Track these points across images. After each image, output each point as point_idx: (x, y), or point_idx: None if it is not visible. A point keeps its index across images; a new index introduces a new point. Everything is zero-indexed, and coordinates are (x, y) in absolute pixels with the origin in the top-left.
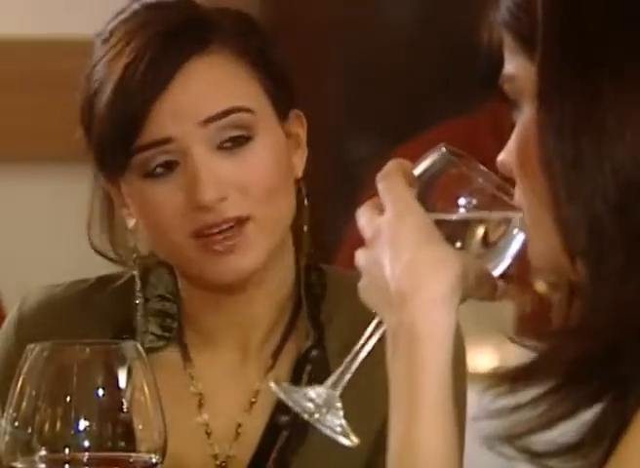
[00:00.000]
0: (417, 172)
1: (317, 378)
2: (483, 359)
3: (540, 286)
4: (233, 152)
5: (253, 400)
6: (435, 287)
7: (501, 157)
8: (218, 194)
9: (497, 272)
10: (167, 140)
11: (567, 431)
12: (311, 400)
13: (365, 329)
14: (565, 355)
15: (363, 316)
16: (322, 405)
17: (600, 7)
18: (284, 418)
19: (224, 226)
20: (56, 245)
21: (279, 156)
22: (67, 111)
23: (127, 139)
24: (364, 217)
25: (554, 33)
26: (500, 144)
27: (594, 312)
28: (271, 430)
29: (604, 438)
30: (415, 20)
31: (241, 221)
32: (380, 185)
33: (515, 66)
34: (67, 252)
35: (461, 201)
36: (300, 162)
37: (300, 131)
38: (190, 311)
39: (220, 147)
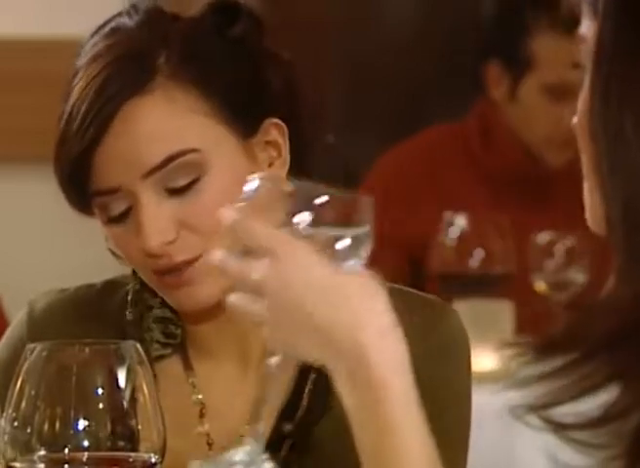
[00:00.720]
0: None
1: (320, 386)
2: (482, 359)
3: (541, 286)
4: (182, 193)
5: None
6: (378, 318)
7: (573, 121)
8: (163, 239)
9: None
10: (115, 190)
11: (594, 404)
12: (236, 463)
13: None
14: (597, 326)
15: None
16: (249, 463)
17: None
18: (288, 427)
19: (177, 268)
20: (56, 245)
21: (234, 186)
22: None
23: (77, 186)
24: (237, 269)
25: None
26: (489, 147)
27: (626, 285)
28: (275, 439)
29: (630, 414)
30: (414, 20)
31: (191, 262)
32: (239, 230)
33: (585, 27)
34: (68, 252)
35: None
36: (278, 172)
37: (280, 139)
38: (189, 320)
39: (168, 189)
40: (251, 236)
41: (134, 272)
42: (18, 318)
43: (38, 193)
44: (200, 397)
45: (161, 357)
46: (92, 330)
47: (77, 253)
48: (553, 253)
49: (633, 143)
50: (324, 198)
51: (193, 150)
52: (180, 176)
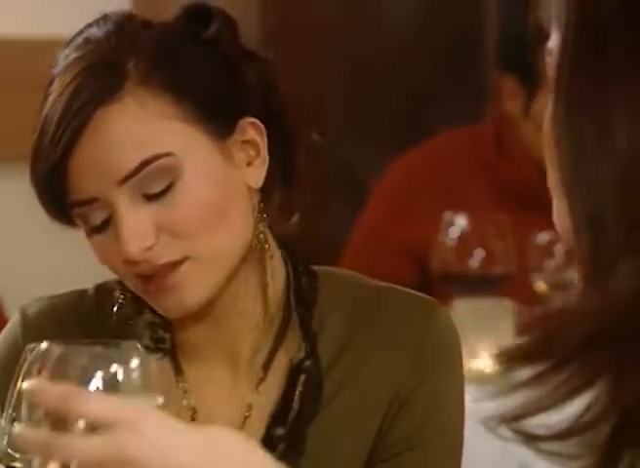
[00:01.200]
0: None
1: (311, 388)
2: (482, 359)
3: (540, 286)
4: (159, 198)
5: (246, 414)
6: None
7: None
8: (141, 245)
9: None
10: (92, 200)
11: (565, 415)
12: None
13: (355, 328)
14: (566, 335)
15: (357, 314)
16: None
17: None
18: (280, 431)
19: (159, 271)
20: (57, 245)
21: (211, 188)
22: None
23: (54, 198)
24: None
25: (575, 10)
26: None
27: (593, 294)
28: (267, 443)
29: (600, 424)
30: (415, 21)
31: (176, 264)
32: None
33: (552, 40)
34: (68, 251)
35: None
36: (257, 172)
37: (257, 138)
38: (177, 325)
39: (145, 195)
40: (92, 409)
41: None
42: (10, 324)
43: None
44: (191, 402)
45: None
46: (83, 336)
47: (76, 254)
48: (553, 253)
49: (594, 154)
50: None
51: (167, 154)
52: (155, 181)
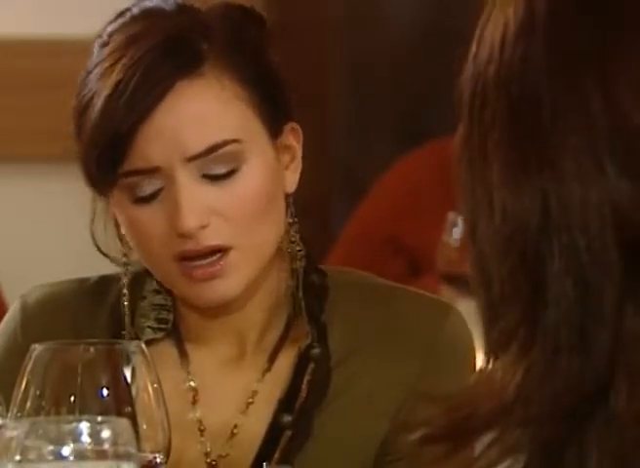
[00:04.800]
0: None
1: (319, 377)
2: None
3: None
4: (218, 181)
5: (250, 400)
6: None
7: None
8: (198, 222)
9: None
10: (153, 170)
11: None
12: None
13: (367, 327)
14: (469, 414)
15: (368, 314)
16: None
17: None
18: (287, 418)
19: (205, 255)
20: (56, 245)
21: (267, 181)
22: (67, 111)
23: (112, 163)
24: None
25: (465, 107)
26: None
27: (495, 369)
28: (274, 430)
29: None
30: (420, 21)
31: (221, 250)
32: None
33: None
34: (67, 251)
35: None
36: (293, 176)
37: (296, 144)
38: (184, 311)
39: (206, 175)
40: None
41: (126, 264)
42: (10, 311)
43: (40, 193)
44: (194, 383)
45: (153, 341)
46: (84, 322)
47: (79, 253)
48: None
49: (483, 215)
50: None
51: (235, 141)
52: (218, 165)
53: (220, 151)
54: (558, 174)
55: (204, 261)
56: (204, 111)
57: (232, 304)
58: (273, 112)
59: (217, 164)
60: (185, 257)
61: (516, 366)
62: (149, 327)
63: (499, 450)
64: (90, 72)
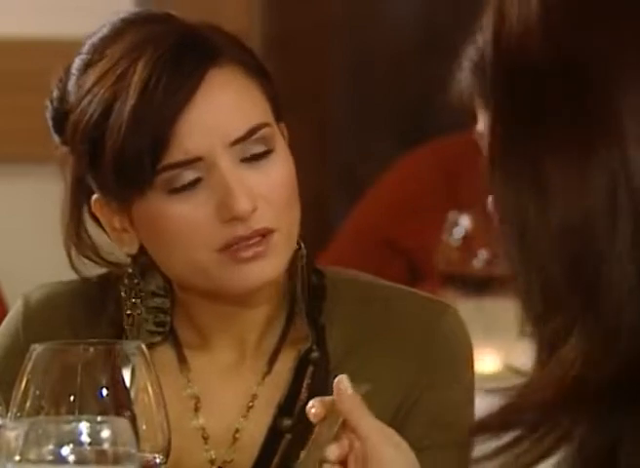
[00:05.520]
0: None
1: (318, 380)
2: (488, 359)
3: None
4: (256, 164)
5: (250, 404)
6: None
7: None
8: (251, 204)
9: None
10: (195, 160)
11: None
12: None
13: (365, 328)
14: (525, 405)
15: (366, 315)
16: None
17: (542, 70)
18: (287, 422)
19: (254, 238)
20: (56, 245)
21: (292, 166)
22: None
23: (152, 160)
24: None
25: (500, 94)
26: None
27: (545, 372)
28: (273, 434)
29: None
30: (421, 20)
31: (268, 232)
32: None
33: (483, 123)
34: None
35: None
36: None
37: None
38: (184, 311)
39: (244, 160)
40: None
41: (134, 260)
42: (13, 310)
43: (40, 193)
44: (194, 390)
45: (151, 346)
46: (86, 322)
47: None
48: None
49: (536, 228)
50: None
51: (267, 124)
52: (256, 149)
53: (259, 133)
54: (623, 141)
55: (250, 242)
56: (237, 97)
57: (258, 296)
58: (276, 107)
59: (254, 148)
60: (232, 245)
61: (576, 353)
62: (147, 330)
63: (552, 440)
64: (89, 89)
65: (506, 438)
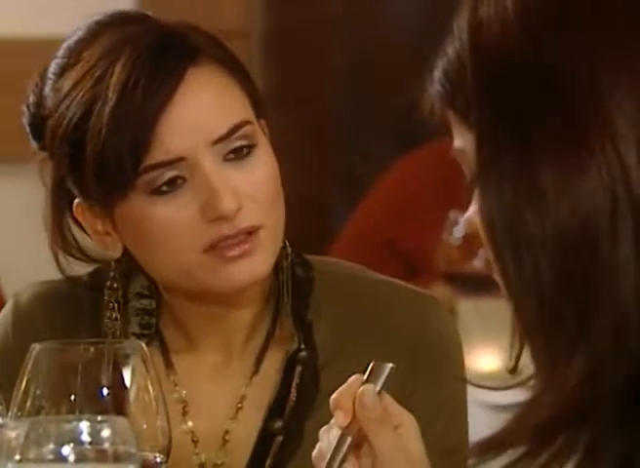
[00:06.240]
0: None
1: (307, 380)
2: (487, 360)
3: None
4: (239, 163)
5: (239, 405)
6: None
7: (468, 216)
8: (237, 203)
9: None
10: (177, 160)
11: None
12: None
13: (354, 323)
14: (528, 423)
15: (355, 308)
16: None
17: (526, 76)
18: (278, 423)
19: (240, 236)
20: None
21: (275, 162)
22: None
23: (135, 159)
24: None
25: (485, 104)
26: None
27: (547, 390)
28: (264, 436)
29: None
30: (420, 20)
31: (254, 229)
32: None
33: (463, 140)
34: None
35: None
36: None
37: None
38: (170, 312)
39: (226, 159)
40: None
41: (118, 261)
42: (3, 312)
43: (39, 193)
44: (181, 394)
45: None
46: (65, 323)
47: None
48: None
49: (534, 234)
50: None
51: (248, 122)
52: (238, 146)
53: (241, 131)
54: (617, 142)
55: (237, 240)
56: (217, 96)
57: (245, 297)
58: (256, 104)
59: (236, 146)
60: (218, 245)
61: (580, 368)
62: (132, 333)
63: (559, 455)
64: (68, 92)
65: (512, 455)
